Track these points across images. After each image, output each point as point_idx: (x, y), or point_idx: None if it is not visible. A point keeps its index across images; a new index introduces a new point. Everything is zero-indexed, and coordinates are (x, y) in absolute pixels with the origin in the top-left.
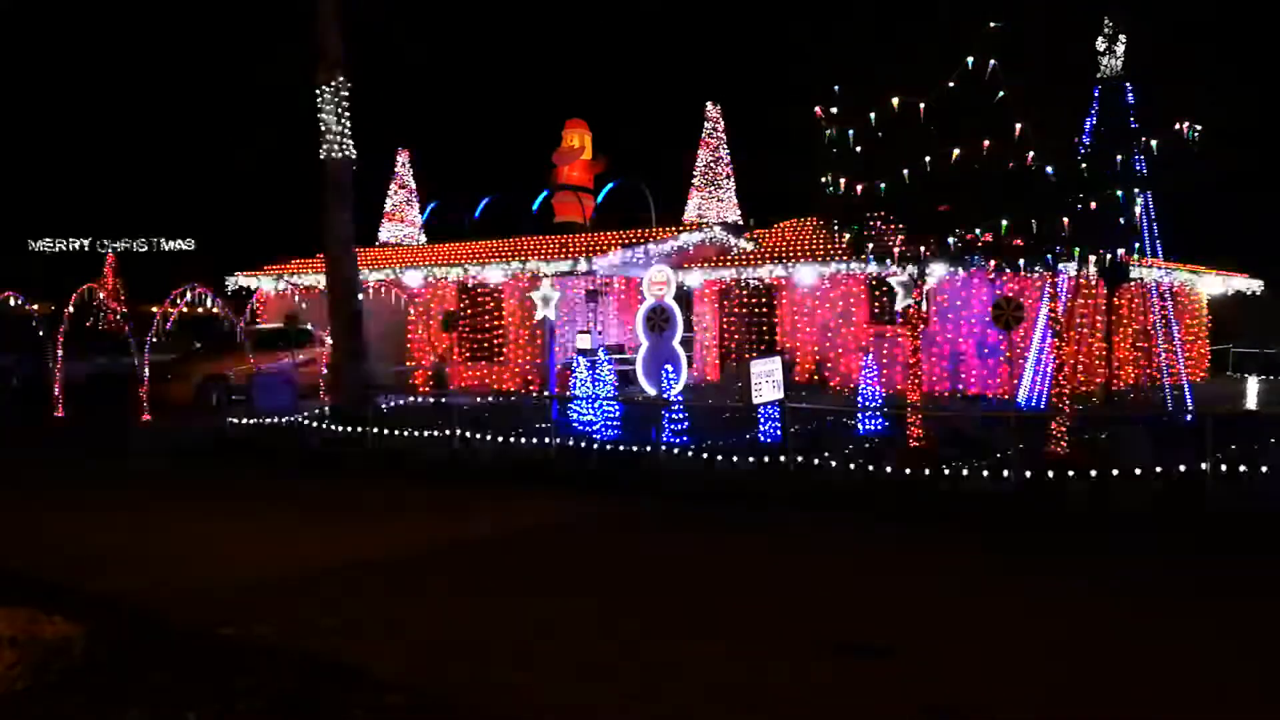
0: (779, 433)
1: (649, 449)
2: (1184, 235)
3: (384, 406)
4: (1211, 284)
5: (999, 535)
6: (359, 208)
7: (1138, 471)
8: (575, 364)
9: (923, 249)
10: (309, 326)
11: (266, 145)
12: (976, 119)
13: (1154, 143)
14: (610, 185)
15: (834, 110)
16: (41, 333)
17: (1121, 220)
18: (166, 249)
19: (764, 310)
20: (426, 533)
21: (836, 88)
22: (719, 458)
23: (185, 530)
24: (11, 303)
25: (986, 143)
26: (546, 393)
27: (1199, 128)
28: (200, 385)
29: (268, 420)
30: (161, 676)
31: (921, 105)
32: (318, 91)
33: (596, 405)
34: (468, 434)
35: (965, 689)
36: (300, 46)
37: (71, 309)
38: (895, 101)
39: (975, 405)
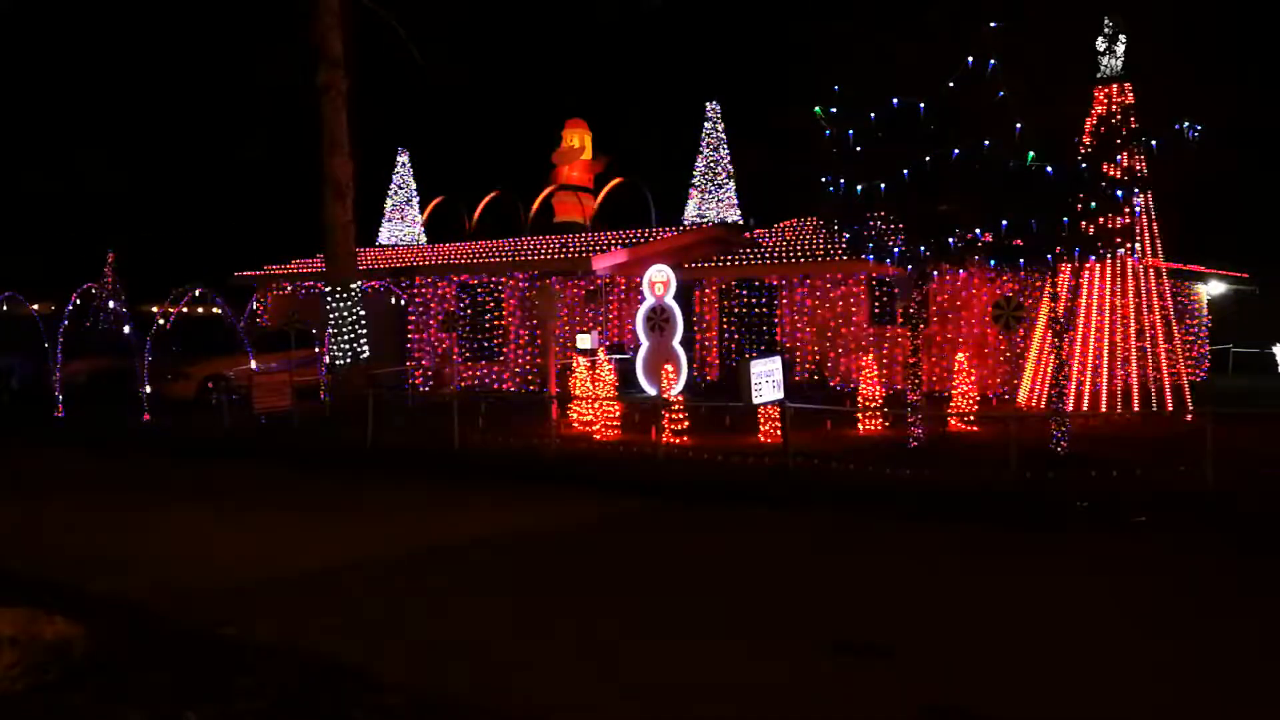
0: None
1: (648, 448)
2: (1184, 235)
3: (384, 406)
4: (1211, 284)
5: (999, 534)
6: (359, 208)
7: (1138, 470)
8: (575, 364)
9: (923, 249)
10: (309, 327)
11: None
12: (976, 119)
13: (1154, 143)
14: (610, 185)
15: (834, 110)
16: (42, 332)
17: (1121, 220)
18: (166, 249)
19: (764, 310)
20: (426, 532)
21: (836, 88)
22: (719, 457)
23: (186, 530)
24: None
25: (986, 143)
26: (546, 392)
27: (1199, 128)
28: (201, 385)
29: (267, 420)
30: (161, 676)
31: (921, 105)
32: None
33: (596, 405)
34: (467, 433)
35: (965, 688)
36: (301, 46)
37: (71, 308)
38: (895, 101)
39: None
